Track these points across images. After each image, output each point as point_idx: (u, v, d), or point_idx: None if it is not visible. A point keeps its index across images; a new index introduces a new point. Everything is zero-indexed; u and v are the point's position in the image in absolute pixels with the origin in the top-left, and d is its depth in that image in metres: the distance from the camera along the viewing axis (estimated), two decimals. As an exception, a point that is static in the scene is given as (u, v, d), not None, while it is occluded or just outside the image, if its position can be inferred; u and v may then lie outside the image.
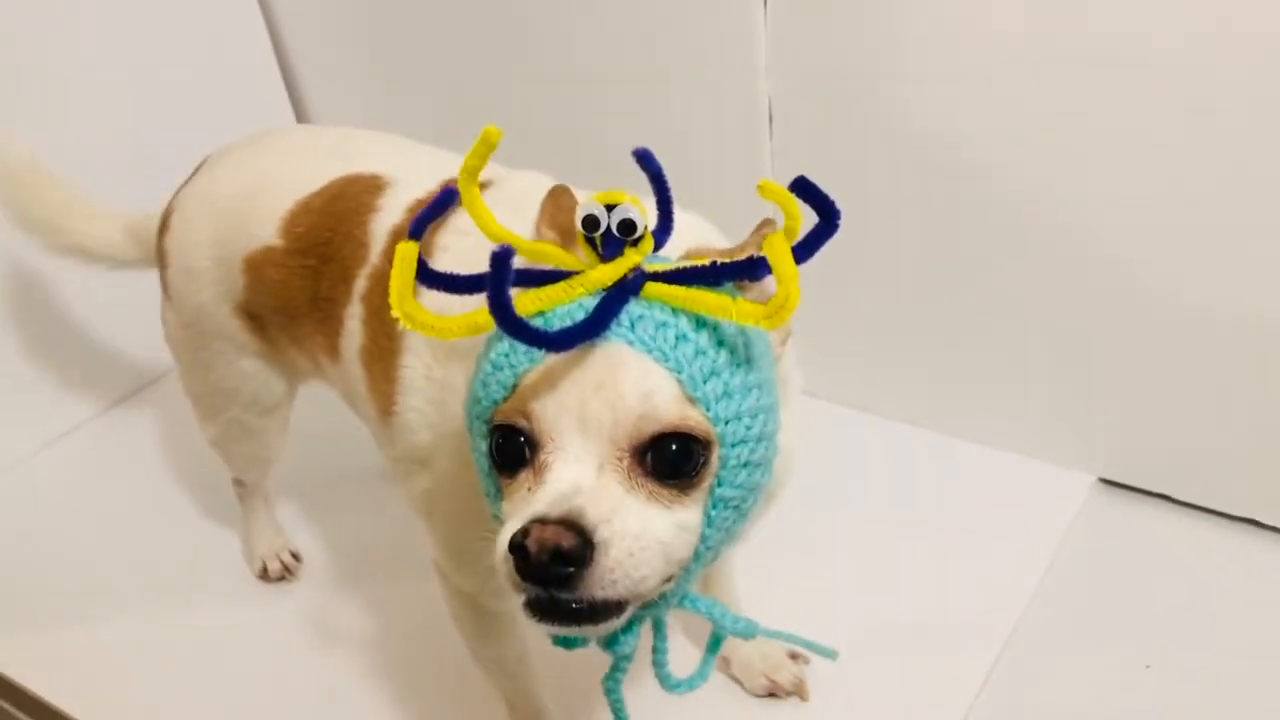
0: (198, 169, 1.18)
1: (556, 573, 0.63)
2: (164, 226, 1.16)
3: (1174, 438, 1.30)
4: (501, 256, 0.61)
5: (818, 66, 1.31)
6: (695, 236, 0.77)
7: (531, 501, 0.66)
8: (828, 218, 0.64)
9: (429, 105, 1.70)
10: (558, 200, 0.77)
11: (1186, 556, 1.27)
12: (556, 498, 0.65)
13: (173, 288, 1.16)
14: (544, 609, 0.65)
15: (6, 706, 1.34)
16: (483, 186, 0.94)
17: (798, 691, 1.13)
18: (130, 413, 1.72)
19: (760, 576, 1.13)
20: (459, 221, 0.91)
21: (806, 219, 0.65)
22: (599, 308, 0.65)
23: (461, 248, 0.88)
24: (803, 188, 0.64)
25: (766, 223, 0.71)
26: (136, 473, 1.59)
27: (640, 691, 1.09)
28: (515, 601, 0.66)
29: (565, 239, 0.73)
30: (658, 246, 0.71)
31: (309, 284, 1.03)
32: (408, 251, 0.67)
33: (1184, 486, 1.32)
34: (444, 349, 0.87)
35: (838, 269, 1.41)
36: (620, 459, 0.66)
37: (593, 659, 0.81)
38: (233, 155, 1.16)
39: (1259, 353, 1.18)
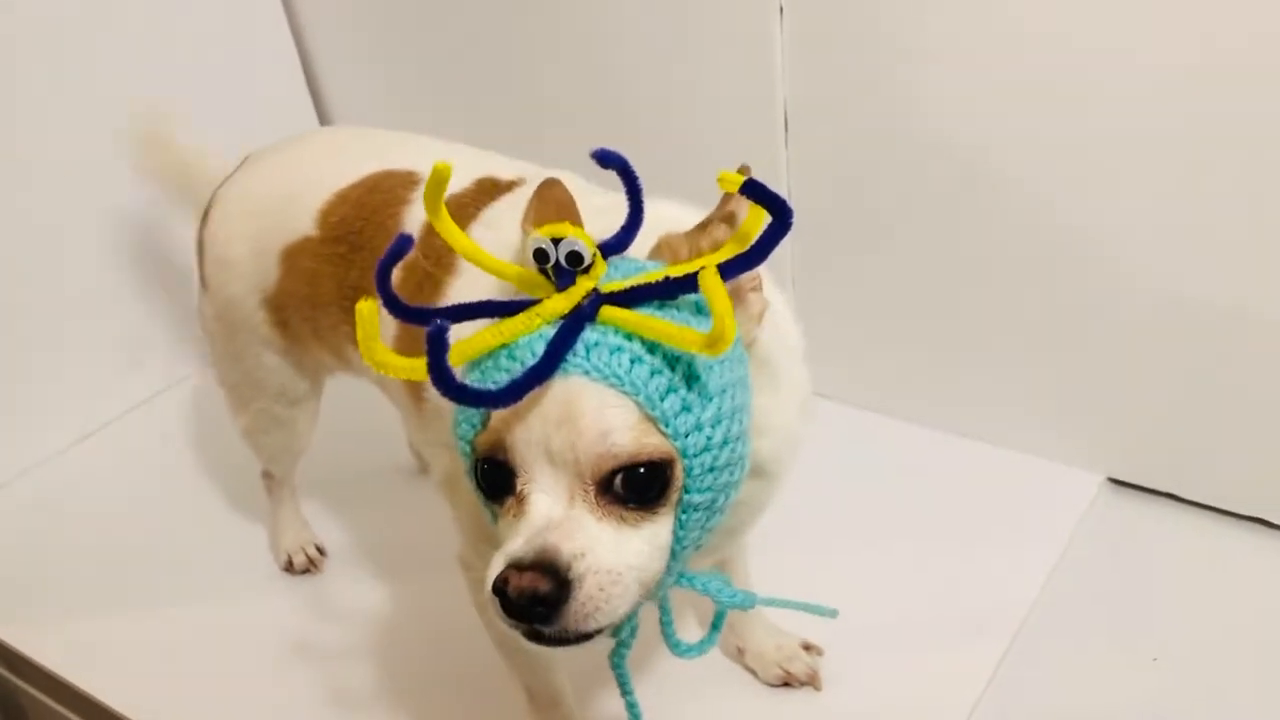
0: (238, 167, 1.22)
1: (536, 613, 0.67)
2: (204, 220, 1.20)
3: (1182, 437, 1.30)
4: (435, 335, 0.63)
5: (833, 75, 1.32)
6: (666, 227, 0.78)
7: (512, 535, 0.69)
8: (781, 217, 0.66)
9: (450, 108, 1.71)
10: (543, 196, 0.78)
11: (1194, 555, 1.27)
12: (531, 534, 0.68)
13: (208, 278, 1.19)
14: (535, 635, 0.70)
15: (37, 693, 1.37)
16: (513, 185, 0.97)
17: (811, 682, 1.14)
18: (159, 408, 1.75)
19: (770, 574, 1.14)
20: (488, 215, 0.95)
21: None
22: (548, 350, 0.67)
23: (486, 241, 0.90)
24: (752, 189, 0.66)
25: (730, 199, 0.73)
26: (165, 466, 1.62)
27: (654, 681, 1.13)
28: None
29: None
30: (627, 243, 0.73)
31: (339, 271, 1.06)
32: (368, 309, 0.67)
33: (1192, 486, 1.32)
34: None
35: (850, 271, 1.44)
36: (588, 490, 0.69)
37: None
38: (273, 154, 1.20)
39: (1267, 352, 1.19)
